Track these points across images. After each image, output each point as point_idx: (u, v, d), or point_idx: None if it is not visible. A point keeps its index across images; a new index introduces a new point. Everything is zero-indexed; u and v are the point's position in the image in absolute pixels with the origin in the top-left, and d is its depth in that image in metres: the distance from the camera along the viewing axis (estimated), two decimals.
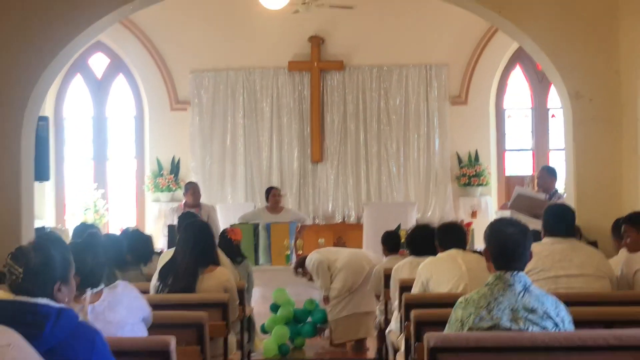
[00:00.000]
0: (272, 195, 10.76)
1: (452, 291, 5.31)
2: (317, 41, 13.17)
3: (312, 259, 8.91)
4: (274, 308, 8.92)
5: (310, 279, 9.06)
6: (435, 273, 5.54)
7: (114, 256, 5.92)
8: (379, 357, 7.82)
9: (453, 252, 5.68)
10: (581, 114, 8.06)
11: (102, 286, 3.87)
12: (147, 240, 7.15)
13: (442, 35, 13.09)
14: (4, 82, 7.88)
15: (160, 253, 7.44)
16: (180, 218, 7.27)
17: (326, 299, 8.79)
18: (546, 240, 5.32)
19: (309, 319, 8.92)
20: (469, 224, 11.78)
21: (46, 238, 3.13)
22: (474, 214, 12.93)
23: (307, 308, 8.97)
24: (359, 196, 13.17)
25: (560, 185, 10.03)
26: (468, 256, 5.64)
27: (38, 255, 2.97)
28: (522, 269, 3.69)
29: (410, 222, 10.68)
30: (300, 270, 9.13)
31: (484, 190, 13.13)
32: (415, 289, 5.64)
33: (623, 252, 6.09)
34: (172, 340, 3.69)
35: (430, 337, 3.52)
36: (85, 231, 5.19)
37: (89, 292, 3.78)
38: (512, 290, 3.61)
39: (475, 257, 5.61)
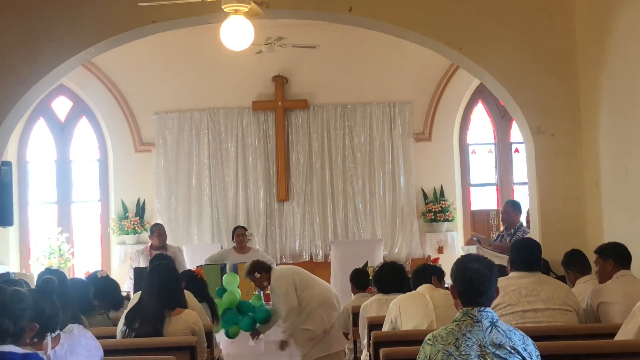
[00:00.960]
0: (237, 235, 10.71)
1: (418, 327, 5.33)
2: (280, 81, 13.24)
3: (283, 276, 8.56)
4: (221, 292, 8.77)
5: (261, 287, 8.76)
6: (403, 310, 5.56)
7: (80, 301, 5.86)
8: None
9: (422, 289, 5.72)
10: (543, 148, 8.18)
11: (58, 331, 3.84)
12: (116, 287, 7.10)
13: (405, 73, 13.21)
14: None
15: (128, 297, 7.39)
16: (152, 260, 7.22)
17: (285, 344, 8.68)
18: (513, 274, 5.36)
19: (250, 314, 8.70)
20: (435, 260, 11.87)
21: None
22: (440, 249, 12.99)
23: (252, 303, 8.79)
24: (326, 234, 13.17)
25: (523, 219, 10.11)
26: (437, 292, 5.67)
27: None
28: (489, 305, 3.70)
29: (377, 259, 10.71)
30: (256, 275, 8.61)
31: (450, 226, 13.19)
32: (385, 327, 5.65)
33: (579, 282, 6.18)
34: None
35: None
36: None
37: (49, 337, 3.74)
38: (479, 326, 3.62)
39: (443, 294, 5.64)
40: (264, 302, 8.85)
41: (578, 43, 8.21)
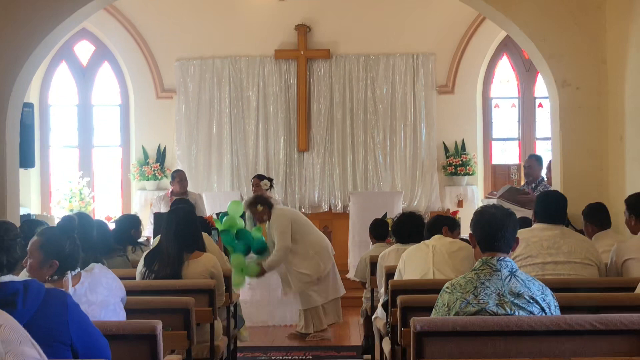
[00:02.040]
0: (252, 184, 10.70)
1: (414, 277, 5.36)
2: (303, 30, 13.12)
3: (284, 216, 8.82)
4: (223, 216, 8.93)
5: (260, 220, 8.90)
6: (407, 261, 5.59)
7: (100, 242, 5.90)
8: (366, 343, 7.82)
9: (429, 240, 5.71)
10: (568, 102, 8.09)
11: (78, 269, 3.86)
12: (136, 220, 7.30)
13: (430, 24, 13.07)
14: None
15: (148, 242, 7.48)
16: (173, 205, 7.27)
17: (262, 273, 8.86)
18: (536, 226, 5.35)
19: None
20: (455, 213, 11.83)
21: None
22: (460, 203, 12.95)
23: (252, 234, 8.90)
24: (346, 185, 13.15)
25: (543, 174, 10.08)
26: (442, 241, 5.65)
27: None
28: (507, 251, 3.70)
29: (396, 211, 10.70)
30: (258, 207, 8.80)
31: (470, 180, 13.14)
32: (395, 277, 5.67)
33: (597, 237, 6.13)
34: (158, 325, 3.68)
35: (417, 322, 3.51)
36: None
37: (69, 275, 3.77)
38: (498, 275, 3.61)
39: (446, 241, 5.62)
40: (264, 237, 9.01)
41: None
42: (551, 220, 5.32)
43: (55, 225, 5.69)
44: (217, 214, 9.82)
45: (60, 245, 3.75)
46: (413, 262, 5.52)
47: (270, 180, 10.61)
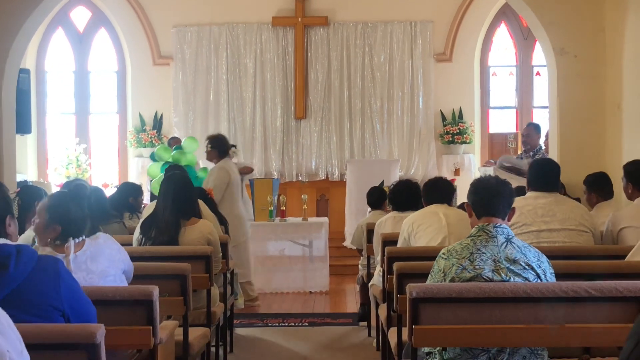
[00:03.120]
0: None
1: (431, 244, 5.35)
2: None
3: (224, 170, 8.83)
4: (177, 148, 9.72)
5: (208, 157, 9.14)
6: (416, 227, 5.57)
7: (96, 208, 5.89)
8: (362, 310, 7.86)
9: (434, 207, 5.71)
10: (566, 70, 8.07)
11: (83, 237, 3.84)
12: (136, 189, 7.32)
13: None
14: None
15: (140, 211, 7.49)
16: (166, 170, 7.24)
17: None
18: (530, 194, 5.34)
19: None
20: (452, 181, 11.82)
21: None
22: (457, 172, 12.95)
23: (197, 173, 9.50)
24: (343, 153, 13.14)
25: (541, 142, 10.07)
26: (450, 210, 5.68)
27: None
28: (504, 218, 3.71)
29: (393, 179, 10.69)
30: (208, 147, 9.02)
31: (467, 148, 13.14)
32: (399, 244, 5.67)
33: (599, 206, 6.14)
34: (155, 290, 3.69)
35: (413, 288, 3.52)
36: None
37: (71, 242, 3.76)
38: (494, 241, 3.62)
39: (456, 212, 5.66)
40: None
41: None
42: (545, 187, 5.31)
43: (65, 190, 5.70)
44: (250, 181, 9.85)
45: (66, 210, 3.72)
46: (424, 227, 5.51)
47: (234, 146, 10.78)
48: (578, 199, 6.71)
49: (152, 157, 10.27)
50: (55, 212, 3.70)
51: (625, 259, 4.53)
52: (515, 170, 9.07)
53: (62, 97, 13.59)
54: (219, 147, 8.93)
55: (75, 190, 3.97)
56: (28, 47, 9.15)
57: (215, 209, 7.05)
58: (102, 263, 3.83)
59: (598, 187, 6.35)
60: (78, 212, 3.79)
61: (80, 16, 13.49)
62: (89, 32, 13.50)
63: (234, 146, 10.75)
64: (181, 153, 9.28)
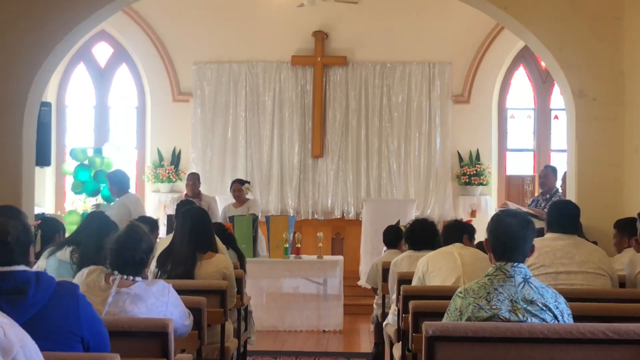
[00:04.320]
0: (233, 190, 10.83)
1: (445, 283, 5.32)
2: (321, 36, 13.16)
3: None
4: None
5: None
6: (431, 266, 5.55)
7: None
8: (376, 350, 7.81)
9: (450, 247, 5.69)
10: (584, 112, 8.06)
11: (138, 278, 3.88)
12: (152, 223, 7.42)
13: (446, 32, 13.08)
14: (8, 66, 7.90)
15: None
16: (179, 205, 7.28)
17: None
18: (548, 235, 5.31)
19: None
20: (468, 222, 11.79)
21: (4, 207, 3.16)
22: (473, 213, 12.92)
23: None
24: (359, 192, 13.15)
25: (558, 185, 10.05)
26: (466, 250, 5.65)
27: (17, 224, 2.98)
28: (522, 261, 3.67)
29: (409, 219, 10.65)
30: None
31: (484, 190, 13.12)
32: (414, 282, 5.65)
33: (629, 251, 6.08)
34: (170, 322, 3.68)
35: (429, 326, 3.49)
36: (99, 218, 5.33)
37: (118, 276, 3.80)
38: (512, 281, 3.60)
39: (471, 251, 5.63)
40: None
41: (625, 6, 8.04)
42: (564, 230, 5.28)
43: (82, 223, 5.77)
44: (231, 218, 9.86)
45: (131, 247, 3.90)
46: (439, 267, 5.49)
47: (248, 182, 11.09)
48: (595, 242, 6.67)
49: (72, 154, 11.10)
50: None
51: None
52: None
53: (81, 131, 13.69)
54: (118, 183, 9.27)
55: (142, 232, 3.99)
56: (50, 81, 9.24)
57: (234, 245, 7.05)
58: (139, 308, 3.83)
59: (632, 231, 6.26)
60: (133, 251, 3.86)
61: (102, 52, 13.64)
62: (110, 68, 13.64)
63: (248, 182, 10.83)
64: (97, 155, 9.53)
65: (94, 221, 5.42)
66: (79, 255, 5.13)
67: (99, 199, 11.85)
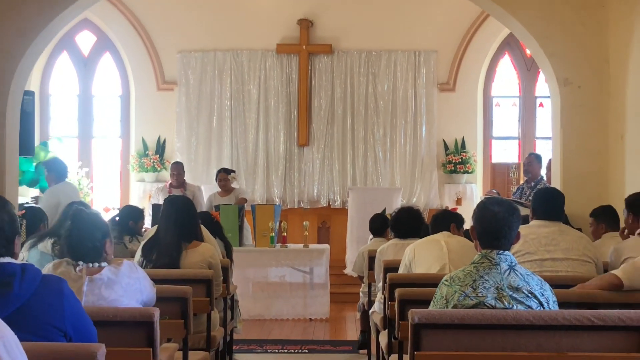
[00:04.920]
0: (219, 179, 10.77)
1: (430, 271, 5.33)
2: (306, 24, 13.12)
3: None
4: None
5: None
6: (417, 254, 5.56)
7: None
8: (362, 338, 7.82)
9: (439, 236, 5.70)
10: (569, 100, 8.08)
11: (104, 263, 3.84)
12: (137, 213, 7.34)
13: (432, 21, 13.07)
14: None
15: (140, 235, 7.47)
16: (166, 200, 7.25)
17: None
18: (533, 222, 5.32)
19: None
20: (453, 210, 11.82)
21: None
22: (458, 201, 12.96)
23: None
24: (345, 181, 13.15)
25: (543, 173, 10.08)
26: (453, 239, 5.66)
27: (3, 215, 2.94)
28: (508, 248, 3.68)
29: (395, 207, 10.65)
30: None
31: (469, 178, 13.15)
32: (400, 271, 5.65)
33: (606, 237, 6.13)
34: (155, 312, 3.66)
35: (415, 314, 3.49)
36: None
37: (83, 266, 3.77)
38: (497, 268, 3.60)
39: (458, 239, 5.65)
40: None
41: None
42: (549, 217, 5.29)
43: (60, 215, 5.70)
44: (216, 207, 9.83)
45: (87, 236, 3.82)
46: (425, 255, 5.50)
47: (234, 171, 11.09)
48: (580, 229, 6.69)
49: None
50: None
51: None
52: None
53: (65, 120, 13.62)
54: (55, 171, 9.28)
55: (95, 218, 3.94)
56: (33, 70, 9.18)
57: (221, 234, 7.03)
58: (116, 291, 3.80)
59: (606, 216, 6.36)
60: (92, 239, 3.81)
61: (85, 40, 13.56)
62: (93, 57, 13.56)
63: (233, 171, 10.81)
64: (42, 148, 10.15)
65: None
66: (59, 248, 5.07)
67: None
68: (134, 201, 12.86)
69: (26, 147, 8.56)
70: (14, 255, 2.98)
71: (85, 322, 3.17)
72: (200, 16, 13.12)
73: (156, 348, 3.64)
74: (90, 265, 3.79)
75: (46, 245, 5.44)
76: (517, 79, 13.52)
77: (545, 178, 9.88)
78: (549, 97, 9.15)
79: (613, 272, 4.56)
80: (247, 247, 9.88)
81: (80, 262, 3.79)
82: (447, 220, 6.08)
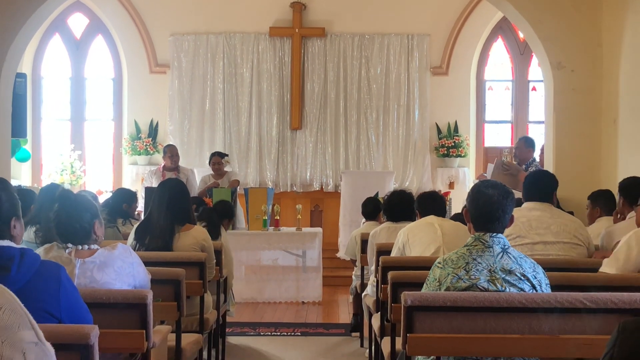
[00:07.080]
0: (212, 163, 10.70)
1: (425, 253, 5.35)
2: (298, 7, 13.08)
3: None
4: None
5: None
6: (411, 237, 5.57)
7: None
8: (355, 321, 7.84)
9: (430, 218, 5.71)
10: (562, 84, 8.09)
11: (94, 245, 3.81)
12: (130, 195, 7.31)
13: (425, 4, 13.05)
14: None
15: (140, 216, 7.47)
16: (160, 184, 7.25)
17: None
18: (525, 205, 5.33)
19: None
20: (446, 194, 11.85)
21: None
22: (451, 185, 12.98)
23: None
24: (337, 164, 13.15)
25: (536, 157, 10.07)
26: (445, 222, 5.68)
27: (1, 195, 2.92)
28: (502, 231, 3.68)
29: (387, 191, 10.67)
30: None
31: (462, 161, 13.16)
32: (393, 253, 5.66)
33: (600, 221, 6.15)
34: (149, 294, 3.67)
35: (408, 296, 3.50)
36: (54, 191, 5.15)
37: (73, 248, 3.74)
38: (490, 251, 3.61)
39: (451, 224, 5.66)
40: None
41: None
42: (539, 199, 5.29)
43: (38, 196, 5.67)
44: (209, 192, 9.83)
45: (75, 217, 3.77)
46: (419, 237, 5.51)
47: (226, 154, 11.07)
48: (572, 212, 6.71)
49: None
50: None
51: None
52: (513, 169, 8.97)
53: (57, 103, 13.58)
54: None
55: (82, 199, 3.90)
56: (25, 52, 9.14)
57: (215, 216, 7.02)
58: (108, 274, 3.78)
59: (604, 200, 6.37)
60: (81, 220, 3.77)
61: (77, 23, 13.50)
62: (86, 39, 13.50)
63: (226, 155, 10.80)
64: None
65: (48, 197, 5.31)
66: (42, 235, 5.03)
67: None
68: (126, 184, 12.86)
69: (18, 129, 8.53)
70: (12, 238, 2.95)
71: (81, 309, 3.15)
72: None
73: (149, 330, 3.65)
74: (80, 247, 3.77)
75: (29, 234, 5.40)
76: (510, 62, 13.51)
77: (538, 160, 9.87)
78: (541, 81, 9.15)
79: (605, 270, 4.57)
80: (240, 231, 9.89)
81: (70, 244, 3.77)
82: (436, 203, 6.03)
